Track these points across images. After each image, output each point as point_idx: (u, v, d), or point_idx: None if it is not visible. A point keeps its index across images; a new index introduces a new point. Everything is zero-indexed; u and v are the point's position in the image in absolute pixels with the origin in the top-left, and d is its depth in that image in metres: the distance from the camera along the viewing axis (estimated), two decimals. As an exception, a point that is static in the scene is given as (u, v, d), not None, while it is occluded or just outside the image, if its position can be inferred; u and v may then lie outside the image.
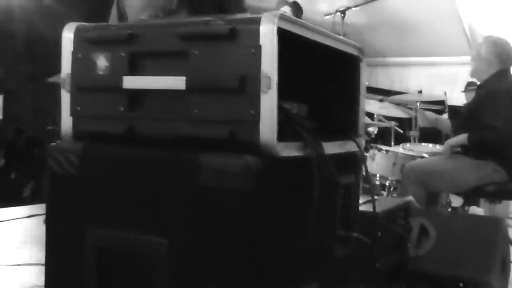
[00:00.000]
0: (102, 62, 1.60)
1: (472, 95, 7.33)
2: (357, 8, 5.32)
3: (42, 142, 9.49)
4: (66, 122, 1.67)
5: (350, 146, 1.87)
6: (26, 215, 5.50)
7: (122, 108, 1.58)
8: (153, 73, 1.55)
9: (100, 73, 1.60)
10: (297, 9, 5.70)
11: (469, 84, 7.51)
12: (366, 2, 5.19)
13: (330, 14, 5.46)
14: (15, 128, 10.37)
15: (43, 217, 1.76)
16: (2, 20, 8.96)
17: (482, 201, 5.51)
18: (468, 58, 7.96)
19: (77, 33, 1.66)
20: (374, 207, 2.29)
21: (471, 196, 4.26)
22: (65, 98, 1.69)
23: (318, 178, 1.54)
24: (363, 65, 1.95)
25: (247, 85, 1.42)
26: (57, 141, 1.69)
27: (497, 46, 4.20)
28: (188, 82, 1.47)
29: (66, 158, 1.58)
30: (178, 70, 1.49)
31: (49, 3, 13.58)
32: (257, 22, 1.43)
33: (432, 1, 5.89)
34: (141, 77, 1.55)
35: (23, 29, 14.02)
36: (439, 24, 7.23)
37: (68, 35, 1.68)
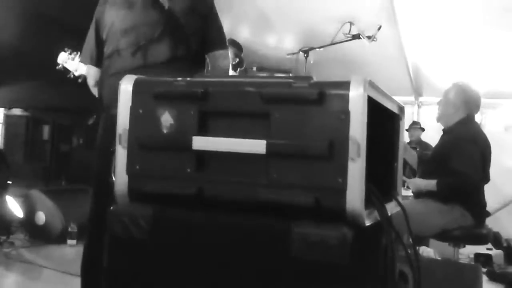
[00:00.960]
0: (167, 119, 1.52)
1: (416, 133, 7.58)
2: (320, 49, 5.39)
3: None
4: (121, 180, 1.56)
5: (392, 206, 1.86)
6: None
7: (189, 170, 1.49)
8: (225, 133, 1.48)
9: (165, 131, 1.51)
10: (238, 49, 5.78)
11: (413, 123, 7.76)
12: (331, 44, 5.24)
13: (294, 53, 5.53)
14: None
15: None
16: None
17: (431, 241, 5.66)
18: (411, 98, 8.29)
19: (137, 86, 1.57)
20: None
21: (438, 240, 4.34)
22: (121, 155, 1.58)
23: (390, 243, 1.52)
24: (402, 123, 1.95)
25: (335, 152, 1.38)
26: (116, 203, 1.58)
27: (465, 93, 4.35)
28: (269, 146, 1.41)
29: (133, 222, 1.48)
30: (257, 132, 1.44)
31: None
32: (346, 87, 1.40)
33: (380, 41, 6.01)
34: (214, 138, 1.48)
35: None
36: (386, 64, 7.41)
37: (126, 88, 1.58)
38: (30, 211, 5.83)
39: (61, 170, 13.17)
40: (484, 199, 4.29)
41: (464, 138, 4.23)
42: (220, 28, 3.10)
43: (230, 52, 5.55)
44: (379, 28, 5.13)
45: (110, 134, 2.95)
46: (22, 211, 5.78)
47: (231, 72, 5.53)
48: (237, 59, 5.78)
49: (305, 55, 5.32)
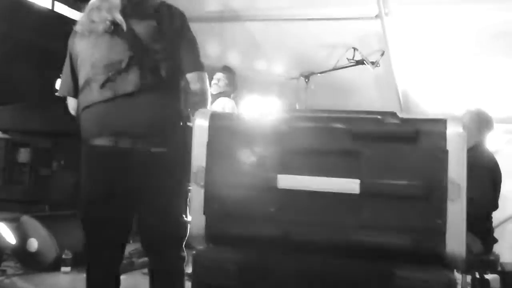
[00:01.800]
0: (248, 156, 1.46)
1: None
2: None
3: None
4: (198, 221, 1.50)
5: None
6: None
7: (274, 209, 1.44)
8: (310, 171, 1.43)
9: (246, 168, 1.45)
10: (230, 73, 5.83)
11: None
12: (334, 69, 5.25)
13: (295, 78, 5.53)
14: None
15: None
16: None
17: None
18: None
19: (214, 121, 1.52)
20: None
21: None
22: (198, 194, 1.52)
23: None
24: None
25: (433, 192, 1.34)
26: (200, 247, 1.51)
27: (479, 118, 4.38)
28: (362, 186, 1.37)
29: (221, 268, 1.41)
30: (346, 170, 1.39)
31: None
32: (442, 125, 1.37)
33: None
34: (301, 177, 1.43)
35: None
36: (375, 89, 7.46)
37: (201, 123, 1.53)
38: (22, 237, 5.67)
39: (42, 194, 12.94)
40: (492, 225, 4.30)
41: (476, 164, 4.23)
42: (193, 48, 3.02)
43: (223, 77, 5.59)
44: (382, 54, 5.17)
45: (94, 165, 2.95)
46: (14, 237, 5.62)
47: (224, 98, 5.53)
48: (229, 84, 5.79)
49: (306, 80, 5.33)
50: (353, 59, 5.11)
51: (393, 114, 1.41)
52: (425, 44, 6.61)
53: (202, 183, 1.49)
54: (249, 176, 1.45)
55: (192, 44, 3.02)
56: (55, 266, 5.65)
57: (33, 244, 5.67)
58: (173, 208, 3.01)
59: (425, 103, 7.65)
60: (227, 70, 5.80)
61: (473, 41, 6.31)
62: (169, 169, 2.93)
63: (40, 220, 5.84)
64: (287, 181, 1.42)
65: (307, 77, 5.31)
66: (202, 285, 1.44)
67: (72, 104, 3.18)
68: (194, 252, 1.49)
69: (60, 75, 3.71)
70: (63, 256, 5.64)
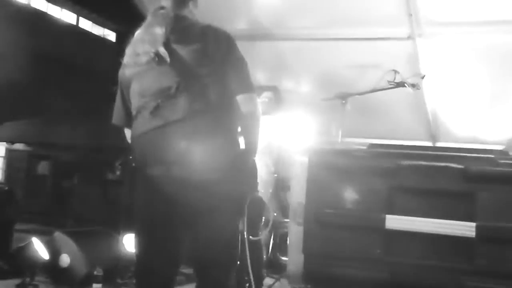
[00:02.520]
0: (351, 194, 1.44)
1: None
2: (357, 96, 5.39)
3: None
4: (296, 259, 1.48)
5: None
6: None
7: (380, 251, 1.42)
8: (418, 212, 1.41)
9: (350, 207, 1.44)
10: (276, 92, 5.77)
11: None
12: (372, 91, 5.23)
13: (329, 99, 5.51)
14: None
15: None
16: None
17: None
18: (427, 144, 8.28)
19: (314, 157, 1.50)
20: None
21: None
22: (296, 232, 1.50)
23: None
24: None
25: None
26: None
27: None
28: (479, 229, 1.35)
29: None
30: (458, 212, 1.37)
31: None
32: None
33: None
34: (412, 218, 1.41)
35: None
36: (405, 110, 7.43)
37: (302, 159, 1.51)
38: (54, 253, 5.69)
39: (63, 207, 12.98)
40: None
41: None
42: (241, 70, 2.96)
43: (271, 95, 5.52)
44: (423, 77, 5.17)
45: (147, 193, 2.92)
46: (46, 253, 5.63)
47: (267, 116, 5.48)
48: (276, 103, 5.73)
49: (343, 101, 5.31)
50: (393, 81, 5.08)
51: (505, 153, 1.38)
52: (457, 65, 6.59)
53: (301, 221, 1.46)
54: (353, 215, 1.42)
55: (240, 65, 2.98)
56: (86, 282, 5.66)
57: (65, 260, 5.69)
58: (224, 235, 2.99)
59: (455, 126, 7.60)
60: (273, 89, 5.73)
61: (506, 63, 6.28)
62: (222, 196, 2.91)
63: (72, 236, 5.84)
64: (396, 222, 1.40)
65: (344, 98, 5.27)
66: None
67: (126, 133, 3.22)
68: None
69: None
70: (95, 273, 5.64)
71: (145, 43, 2.92)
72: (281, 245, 7.18)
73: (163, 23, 2.96)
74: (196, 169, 2.84)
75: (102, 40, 25.21)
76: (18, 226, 8.55)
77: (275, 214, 7.17)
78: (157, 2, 3.15)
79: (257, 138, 3.05)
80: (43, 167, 15.09)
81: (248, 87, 3.00)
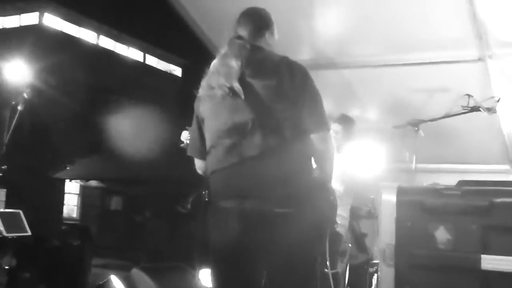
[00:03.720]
0: (443, 234, 1.41)
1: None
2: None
3: (49, 240, 9.13)
4: (388, 300, 1.45)
5: None
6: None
7: (474, 292, 1.38)
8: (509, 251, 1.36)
9: (442, 247, 1.40)
10: (348, 122, 5.62)
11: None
12: (445, 117, 5.14)
13: (400, 126, 5.44)
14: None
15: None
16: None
17: None
18: (505, 167, 8.02)
19: (402, 195, 1.48)
20: None
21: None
22: (387, 273, 1.48)
23: None
24: None
25: None
26: None
27: None
28: None
29: None
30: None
31: (56, 97, 13.58)
32: None
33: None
34: (508, 258, 1.37)
35: (28, 122, 13.90)
36: (480, 133, 7.24)
37: (389, 198, 1.49)
38: (131, 290, 5.77)
39: (136, 241, 13.23)
40: None
41: None
42: (316, 106, 2.97)
43: (340, 130, 5.44)
44: (498, 100, 5.04)
45: (221, 226, 2.92)
46: (124, 290, 5.72)
47: (338, 153, 5.42)
48: (346, 136, 5.63)
49: (416, 128, 5.23)
50: (467, 106, 4.98)
51: None
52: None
53: (392, 262, 1.43)
54: (446, 256, 1.38)
55: (315, 102, 2.99)
56: (165, 320, 5.70)
57: (144, 297, 5.75)
58: (301, 269, 2.98)
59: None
60: (345, 120, 5.60)
61: None
62: (296, 230, 2.89)
63: (149, 273, 5.91)
64: (492, 262, 1.35)
65: (416, 125, 5.19)
66: None
67: (198, 164, 3.25)
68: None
69: (186, 127, 3.81)
70: (173, 310, 5.68)
71: (220, 76, 2.95)
72: (354, 278, 7.06)
73: (239, 55, 2.97)
74: (272, 204, 2.85)
75: (168, 75, 25.73)
76: (94, 261, 8.75)
77: (349, 245, 7.07)
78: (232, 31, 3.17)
79: (331, 173, 3.07)
80: (116, 203, 15.42)
81: (323, 125, 3.01)
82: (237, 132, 2.90)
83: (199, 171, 3.26)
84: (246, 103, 2.90)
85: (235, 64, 2.95)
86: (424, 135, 5.68)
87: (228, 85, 2.92)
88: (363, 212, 6.84)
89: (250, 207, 2.86)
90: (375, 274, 5.33)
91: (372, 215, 6.07)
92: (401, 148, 5.46)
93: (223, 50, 3.09)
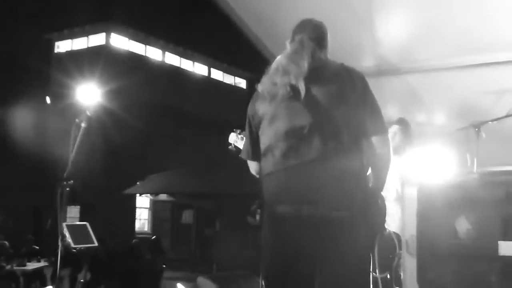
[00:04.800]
0: (463, 225, 1.41)
1: None
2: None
3: (122, 254, 9.37)
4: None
5: None
6: None
7: (494, 278, 1.37)
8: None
9: (462, 236, 1.40)
10: (405, 125, 5.58)
11: None
12: (506, 116, 5.01)
13: (464, 128, 5.35)
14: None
15: None
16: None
17: None
18: None
19: (423, 189, 1.49)
20: None
21: None
22: (410, 263, 1.48)
23: None
24: None
25: None
26: None
27: None
28: None
29: None
30: None
31: (124, 116, 13.98)
32: None
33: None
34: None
35: (99, 142, 14.36)
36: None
37: (410, 192, 1.50)
38: (196, 298, 5.87)
39: (207, 253, 13.39)
40: None
41: None
42: (374, 111, 2.96)
43: (399, 131, 5.40)
44: None
45: (277, 230, 2.93)
46: (191, 298, 5.83)
47: (396, 156, 5.37)
48: (405, 138, 5.58)
49: (476, 129, 5.14)
50: (531, 105, 4.85)
51: None
52: None
53: (414, 252, 1.44)
54: (466, 244, 1.39)
55: (375, 107, 2.99)
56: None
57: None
58: (353, 273, 2.97)
59: None
60: (402, 122, 5.59)
61: None
62: (353, 234, 2.90)
63: (215, 281, 6.00)
64: (510, 248, 1.35)
65: (477, 126, 5.09)
66: None
67: (253, 166, 3.27)
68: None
69: (234, 129, 3.85)
70: (239, 318, 5.75)
71: (288, 74, 2.94)
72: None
73: (310, 56, 2.99)
74: (329, 208, 2.86)
75: (234, 89, 25.97)
76: (165, 274, 8.94)
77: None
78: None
79: (386, 178, 3.07)
80: (187, 216, 15.65)
81: (383, 128, 3.03)
82: (295, 135, 2.90)
83: (254, 173, 3.28)
84: (304, 107, 2.91)
85: (306, 63, 2.96)
86: (489, 138, 5.55)
87: (293, 83, 2.91)
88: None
89: (307, 213, 2.86)
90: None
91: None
92: (464, 152, 5.34)
93: (291, 48, 3.09)
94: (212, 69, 25.62)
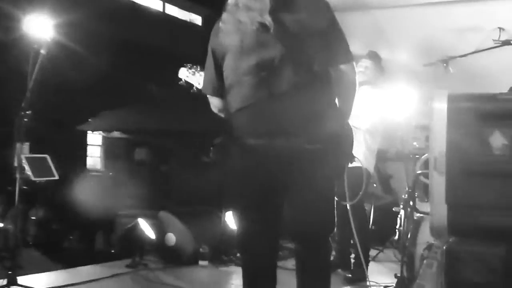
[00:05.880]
0: (498, 140, 1.32)
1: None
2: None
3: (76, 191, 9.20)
4: (439, 211, 1.38)
5: None
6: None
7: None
8: None
9: (497, 153, 1.32)
10: (376, 58, 5.60)
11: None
12: (475, 52, 4.98)
13: (431, 64, 5.30)
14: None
15: None
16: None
17: None
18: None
19: (453, 103, 1.40)
20: None
21: None
22: (438, 182, 1.40)
23: None
24: None
25: None
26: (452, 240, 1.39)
27: None
28: None
29: (485, 263, 1.27)
30: None
31: (77, 50, 13.55)
32: None
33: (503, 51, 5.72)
34: None
35: (51, 77, 13.88)
36: (507, 73, 7.05)
37: (440, 106, 1.41)
38: (160, 232, 5.81)
39: (162, 191, 13.35)
40: None
41: None
42: (342, 40, 2.90)
43: (370, 65, 5.38)
44: (531, 33, 4.85)
45: (248, 163, 2.88)
46: (153, 233, 5.75)
47: (368, 86, 5.34)
48: (376, 71, 5.56)
49: (445, 64, 5.10)
50: (498, 40, 4.81)
51: None
52: None
53: (443, 170, 1.36)
54: (501, 161, 1.30)
55: (342, 35, 2.92)
56: (192, 259, 5.75)
57: (171, 238, 5.79)
58: (323, 202, 3.01)
59: None
60: (373, 56, 5.56)
61: None
62: (324, 165, 2.88)
63: (177, 215, 5.94)
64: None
65: (445, 61, 5.06)
66: (461, 280, 1.31)
67: (215, 103, 3.17)
68: (445, 244, 1.35)
69: (185, 64, 3.73)
70: (201, 250, 5.73)
71: (252, 11, 2.83)
72: (379, 219, 7.05)
73: None
74: (302, 140, 2.82)
75: (189, 25, 25.54)
76: (122, 211, 8.83)
77: (374, 185, 7.04)
78: None
79: (352, 106, 3.05)
80: (141, 153, 15.50)
81: (351, 56, 2.96)
82: (266, 67, 2.81)
83: (215, 110, 3.19)
84: (276, 38, 2.81)
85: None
86: (455, 74, 5.52)
87: (259, 19, 2.81)
88: (390, 154, 6.79)
89: (280, 144, 2.82)
90: (399, 214, 5.31)
91: (400, 156, 6.00)
92: (432, 90, 5.32)
93: None
94: (166, 4, 25.11)
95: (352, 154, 3.07)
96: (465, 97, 1.43)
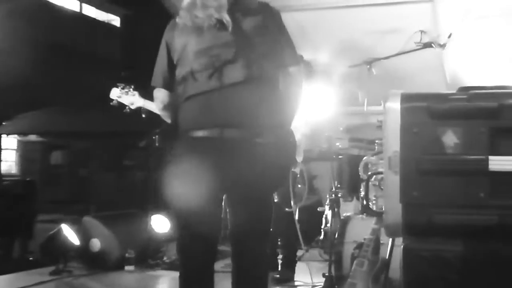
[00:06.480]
0: (450, 138, 1.35)
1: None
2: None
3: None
4: (393, 209, 1.40)
5: None
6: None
7: (484, 195, 1.33)
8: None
9: (449, 151, 1.35)
10: (307, 65, 5.64)
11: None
12: (397, 54, 5.13)
13: (357, 65, 5.41)
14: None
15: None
16: None
17: None
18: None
19: (407, 102, 1.42)
20: None
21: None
22: (393, 181, 1.42)
23: None
24: None
25: None
26: (407, 237, 1.41)
27: None
28: None
29: (440, 259, 1.30)
30: None
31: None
32: None
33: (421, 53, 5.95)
34: (517, 158, 1.33)
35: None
36: (426, 73, 7.32)
37: (393, 105, 1.43)
38: (85, 238, 5.66)
39: (82, 195, 13.01)
40: None
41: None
42: (291, 44, 3.03)
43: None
44: (449, 36, 5.03)
45: (196, 156, 2.84)
46: (77, 238, 5.60)
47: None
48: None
49: (368, 66, 5.22)
50: (420, 42, 4.97)
51: None
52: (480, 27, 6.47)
53: (397, 169, 1.38)
54: (453, 159, 1.33)
55: (291, 41, 3.04)
56: (118, 265, 5.64)
57: (96, 244, 5.65)
58: (268, 201, 3.04)
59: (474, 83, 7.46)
60: (303, 59, 5.61)
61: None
62: (267, 162, 2.87)
63: (102, 220, 5.80)
64: (500, 163, 1.31)
65: (369, 63, 5.18)
66: (417, 277, 1.33)
67: (162, 96, 3.13)
68: (403, 242, 1.37)
69: (117, 84, 3.67)
70: (126, 255, 5.62)
71: (208, 8, 2.90)
72: (304, 219, 7.11)
73: None
74: (252, 134, 2.83)
75: (107, 26, 25.04)
76: (43, 216, 8.55)
77: (299, 186, 7.11)
78: None
79: (298, 108, 3.09)
80: (58, 157, 15.08)
81: (299, 60, 3.10)
82: (220, 59, 2.86)
83: (160, 104, 3.15)
84: (229, 36, 2.89)
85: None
86: (377, 76, 5.66)
87: (217, 16, 2.88)
88: (313, 154, 6.87)
89: (229, 136, 2.81)
90: (324, 214, 5.38)
91: (324, 156, 6.08)
92: (355, 91, 5.44)
93: None
94: (83, 4, 24.52)
95: (295, 158, 3.12)
96: (418, 97, 1.45)
